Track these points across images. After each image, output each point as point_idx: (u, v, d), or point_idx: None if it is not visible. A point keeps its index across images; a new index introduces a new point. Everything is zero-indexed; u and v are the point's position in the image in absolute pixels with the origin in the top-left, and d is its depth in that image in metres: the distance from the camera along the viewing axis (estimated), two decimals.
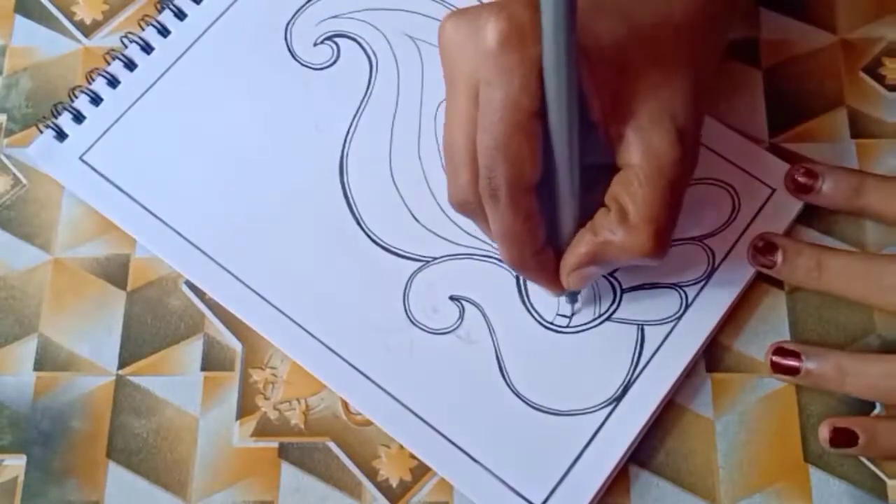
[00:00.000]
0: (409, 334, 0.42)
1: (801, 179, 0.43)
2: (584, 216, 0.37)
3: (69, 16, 0.49)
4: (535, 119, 0.34)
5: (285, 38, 0.47)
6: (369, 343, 0.42)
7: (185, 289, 0.44)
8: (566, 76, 0.33)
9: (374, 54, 0.47)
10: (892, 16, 0.48)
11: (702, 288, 0.42)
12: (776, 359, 0.41)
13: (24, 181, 0.46)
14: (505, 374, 0.41)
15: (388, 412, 0.41)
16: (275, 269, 0.43)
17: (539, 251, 0.38)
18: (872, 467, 0.41)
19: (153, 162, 0.45)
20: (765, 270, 0.43)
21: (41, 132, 0.46)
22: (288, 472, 0.41)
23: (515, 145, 0.34)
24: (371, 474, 0.41)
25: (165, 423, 0.42)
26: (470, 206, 0.37)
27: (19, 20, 0.49)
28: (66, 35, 0.49)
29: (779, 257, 0.42)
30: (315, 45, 0.47)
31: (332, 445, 0.42)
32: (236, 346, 0.43)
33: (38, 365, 0.43)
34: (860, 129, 0.46)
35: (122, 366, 0.43)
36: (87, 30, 0.49)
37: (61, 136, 0.46)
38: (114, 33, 0.49)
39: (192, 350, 0.43)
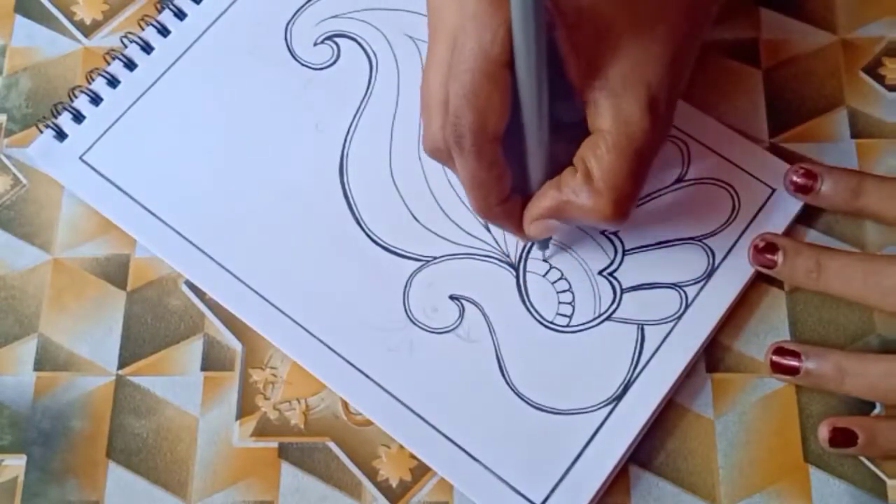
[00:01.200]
0: (409, 334, 0.42)
1: (801, 180, 0.43)
2: (555, 169, 0.38)
3: (69, 16, 0.49)
4: (504, 70, 0.34)
5: (285, 38, 0.47)
6: (369, 342, 0.42)
7: (185, 289, 0.44)
8: (533, 29, 0.32)
9: (374, 54, 0.47)
10: (892, 16, 0.48)
11: (702, 288, 0.42)
12: (776, 358, 0.41)
13: (24, 181, 0.46)
14: (505, 373, 0.41)
15: (388, 412, 0.41)
16: (275, 269, 0.43)
17: (504, 200, 0.38)
18: (872, 467, 0.41)
19: (153, 162, 0.45)
20: (765, 270, 0.43)
21: (41, 132, 0.46)
22: (288, 472, 0.41)
23: (483, 94, 0.35)
24: (371, 474, 0.41)
25: (165, 423, 0.42)
26: (441, 154, 0.38)
27: (19, 20, 0.49)
28: (66, 35, 0.49)
29: (779, 257, 0.42)
30: (315, 44, 0.47)
31: (332, 445, 0.42)
32: (236, 346, 0.43)
33: (38, 365, 0.43)
34: (860, 129, 0.46)
35: (122, 366, 0.43)
36: (87, 30, 0.49)
37: (61, 136, 0.46)
38: (114, 33, 0.49)
39: (192, 350, 0.43)
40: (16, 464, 0.42)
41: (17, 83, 0.48)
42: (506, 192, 0.38)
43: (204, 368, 0.43)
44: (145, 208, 0.44)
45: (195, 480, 0.41)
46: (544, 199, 0.38)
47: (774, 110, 0.46)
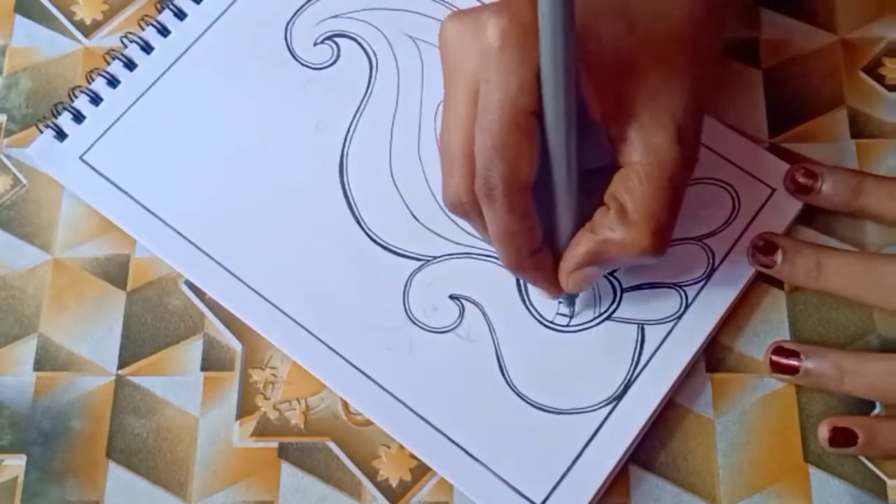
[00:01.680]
0: (409, 333, 0.42)
1: (801, 180, 0.43)
2: (583, 219, 0.37)
3: (69, 16, 0.49)
4: (533, 118, 0.34)
5: (285, 38, 0.47)
6: (369, 342, 0.42)
7: (185, 289, 0.44)
8: (564, 77, 0.33)
9: (374, 54, 0.47)
10: (892, 16, 0.48)
11: (702, 288, 0.42)
12: (775, 358, 0.41)
13: (24, 181, 0.46)
14: (505, 372, 0.41)
15: (388, 411, 0.41)
16: (275, 269, 0.43)
17: (536, 252, 0.38)
18: (872, 467, 0.41)
19: (153, 162, 0.45)
20: (765, 270, 0.43)
21: (41, 132, 0.46)
22: (288, 472, 0.41)
23: (513, 144, 0.34)
24: (371, 474, 0.41)
25: (165, 423, 0.42)
26: (464, 207, 0.38)
27: (19, 20, 0.49)
28: (66, 35, 0.49)
29: (778, 257, 0.42)
30: (315, 44, 0.47)
31: (332, 445, 0.42)
32: (236, 346, 0.43)
33: (38, 365, 0.43)
34: (860, 129, 0.46)
35: (122, 366, 0.43)
36: (87, 30, 0.49)
37: (61, 136, 0.46)
38: (114, 33, 0.49)
39: (192, 350, 0.43)
40: (16, 464, 0.42)
41: (17, 83, 0.48)
42: (537, 243, 0.38)
43: (204, 368, 0.43)
44: (145, 208, 0.44)
45: (195, 480, 0.41)
46: (580, 246, 0.37)
47: (774, 110, 0.46)
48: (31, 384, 0.43)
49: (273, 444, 0.42)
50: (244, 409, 0.42)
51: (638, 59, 0.36)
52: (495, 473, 0.40)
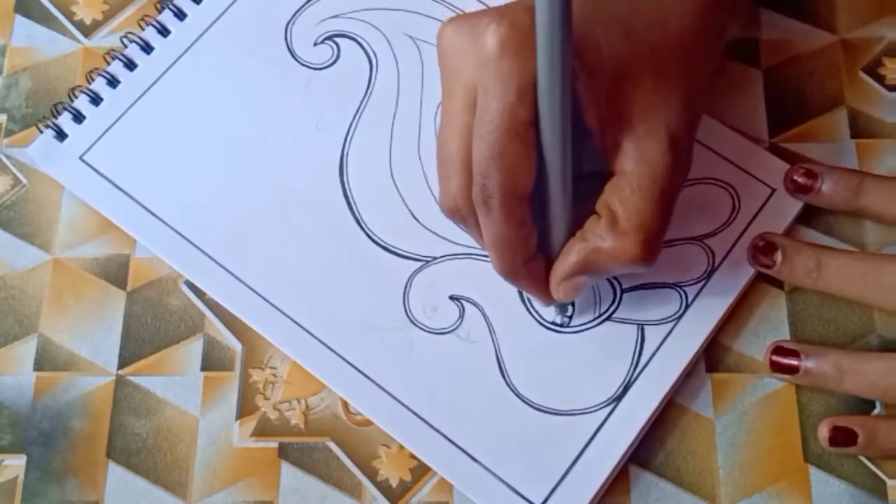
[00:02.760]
0: (409, 334, 0.42)
1: (801, 179, 0.43)
2: (575, 227, 0.37)
3: (69, 16, 0.49)
4: (531, 129, 0.34)
5: (285, 38, 0.47)
6: (369, 342, 0.42)
7: (185, 289, 0.44)
8: (560, 85, 0.32)
9: (374, 54, 0.47)
10: (892, 16, 0.48)
11: (702, 288, 0.42)
12: (775, 358, 0.41)
13: (24, 181, 0.46)
14: (505, 373, 0.41)
15: (388, 412, 0.41)
16: (275, 269, 0.43)
17: (530, 260, 0.38)
18: (872, 467, 0.41)
19: (153, 162, 0.45)
20: (764, 270, 0.43)
21: (41, 132, 0.46)
22: (288, 472, 0.41)
23: (511, 154, 0.34)
24: (371, 474, 0.41)
25: (165, 423, 0.42)
26: (460, 213, 0.38)
27: (19, 20, 0.49)
28: (66, 35, 0.49)
29: (778, 257, 0.42)
30: (315, 44, 0.47)
31: (332, 445, 0.42)
32: (236, 346, 0.43)
33: (38, 365, 0.43)
34: (860, 129, 0.46)
35: (121, 366, 0.43)
36: (87, 30, 0.49)
37: (61, 136, 0.46)
38: (114, 33, 0.49)
39: (192, 350, 0.43)
40: (16, 464, 0.42)
41: (17, 83, 0.48)
42: (531, 250, 0.38)
43: (204, 368, 0.43)
44: (145, 208, 0.44)
45: (195, 480, 0.41)
46: (570, 255, 0.37)
47: (774, 110, 0.46)
48: (31, 384, 0.43)
49: (273, 444, 0.42)
50: (244, 409, 0.42)
51: (634, 67, 0.36)
52: (495, 474, 0.40)
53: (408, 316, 0.42)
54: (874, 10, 0.48)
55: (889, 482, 0.40)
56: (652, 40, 0.36)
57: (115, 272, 0.45)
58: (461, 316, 0.42)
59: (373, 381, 0.41)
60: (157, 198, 0.45)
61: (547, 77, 0.32)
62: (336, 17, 0.48)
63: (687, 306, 0.42)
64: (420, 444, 0.41)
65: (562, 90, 0.33)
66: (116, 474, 0.41)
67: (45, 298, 0.44)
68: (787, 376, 0.41)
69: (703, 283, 0.43)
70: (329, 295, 0.43)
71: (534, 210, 0.37)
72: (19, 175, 0.46)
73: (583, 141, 0.36)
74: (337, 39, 0.47)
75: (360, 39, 0.47)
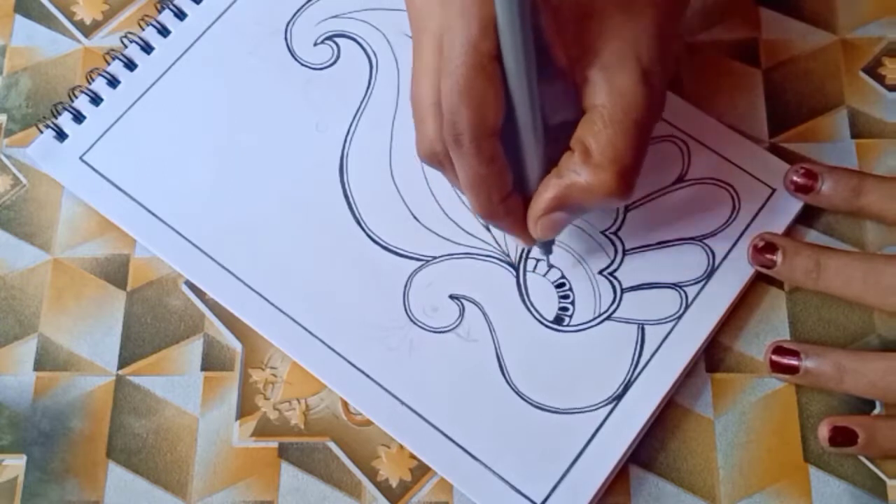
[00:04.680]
0: (409, 333, 0.42)
1: (801, 180, 0.43)
2: (551, 166, 0.37)
3: (69, 16, 0.49)
4: (495, 62, 0.34)
5: (285, 38, 0.47)
6: (369, 342, 0.42)
7: (185, 289, 0.44)
8: (519, 17, 0.32)
9: (374, 54, 0.47)
10: (892, 16, 0.48)
11: (702, 288, 0.42)
12: (775, 358, 0.41)
13: (24, 181, 0.46)
14: (505, 372, 0.41)
15: (388, 411, 0.41)
16: (275, 269, 0.43)
17: (506, 198, 0.37)
18: (872, 467, 0.41)
19: (153, 162, 0.45)
20: (764, 270, 0.43)
21: (41, 132, 0.46)
22: (288, 472, 0.41)
23: (477, 88, 0.34)
24: (371, 474, 0.41)
25: (165, 423, 0.42)
26: (438, 157, 0.37)
27: (19, 20, 0.49)
28: (66, 35, 0.49)
29: (778, 257, 0.42)
30: (315, 45, 0.47)
31: (332, 445, 0.42)
32: (236, 346, 0.43)
33: (38, 365, 0.43)
34: (860, 129, 0.46)
35: (121, 366, 0.43)
36: (87, 30, 0.49)
37: (61, 136, 0.46)
38: (114, 33, 0.49)
39: (192, 350, 0.43)
40: (16, 464, 0.42)
41: (17, 83, 0.48)
42: (507, 188, 0.37)
43: (204, 368, 0.43)
44: (145, 208, 0.44)
45: (195, 480, 0.41)
46: (546, 191, 0.37)
47: (774, 110, 0.46)
48: (31, 384, 0.43)
49: (273, 444, 0.42)
50: (244, 409, 0.42)
51: (598, 3, 0.35)
52: (495, 473, 0.40)
53: (408, 315, 0.42)
54: (874, 10, 0.48)
55: (889, 482, 0.40)
56: None
57: (114, 272, 0.45)
58: (461, 315, 0.42)
59: (373, 381, 0.41)
60: (157, 198, 0.45)
61: (505, 8, 0.32)
62: (336, 17, 0.48)
63: (687, 306, 0.42)
64: (420, 444, 0.41)
65: (521, 20, 0.32)
66: (116, 474, 0.41)
67: (45, 298, 0.44)
68: (787, 376, 0.41)
69: (703, 283, 0.43)
70: (329, 294, 0.43)
71: (508, 148, 0.36)
72: (19, 175, 0.46)
73: (555, 82, 0.35)
74: (337, 39, 0.47)
75: (360, 39, 0.47)
